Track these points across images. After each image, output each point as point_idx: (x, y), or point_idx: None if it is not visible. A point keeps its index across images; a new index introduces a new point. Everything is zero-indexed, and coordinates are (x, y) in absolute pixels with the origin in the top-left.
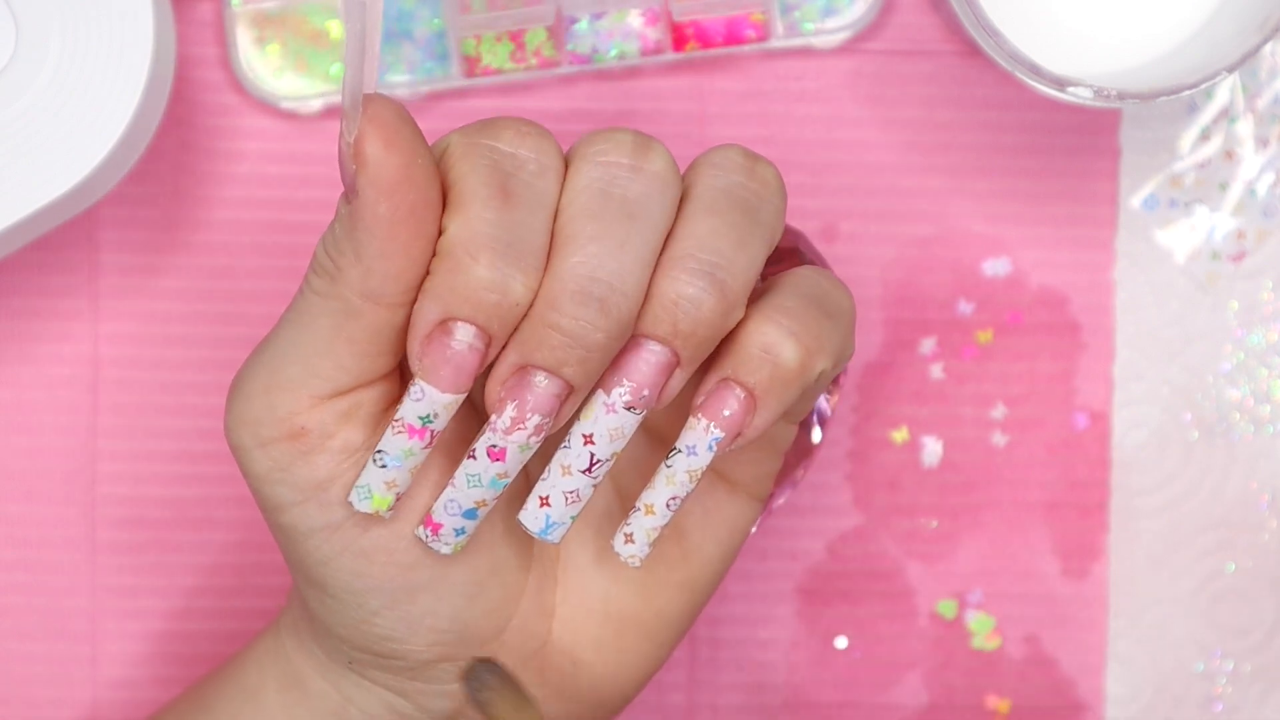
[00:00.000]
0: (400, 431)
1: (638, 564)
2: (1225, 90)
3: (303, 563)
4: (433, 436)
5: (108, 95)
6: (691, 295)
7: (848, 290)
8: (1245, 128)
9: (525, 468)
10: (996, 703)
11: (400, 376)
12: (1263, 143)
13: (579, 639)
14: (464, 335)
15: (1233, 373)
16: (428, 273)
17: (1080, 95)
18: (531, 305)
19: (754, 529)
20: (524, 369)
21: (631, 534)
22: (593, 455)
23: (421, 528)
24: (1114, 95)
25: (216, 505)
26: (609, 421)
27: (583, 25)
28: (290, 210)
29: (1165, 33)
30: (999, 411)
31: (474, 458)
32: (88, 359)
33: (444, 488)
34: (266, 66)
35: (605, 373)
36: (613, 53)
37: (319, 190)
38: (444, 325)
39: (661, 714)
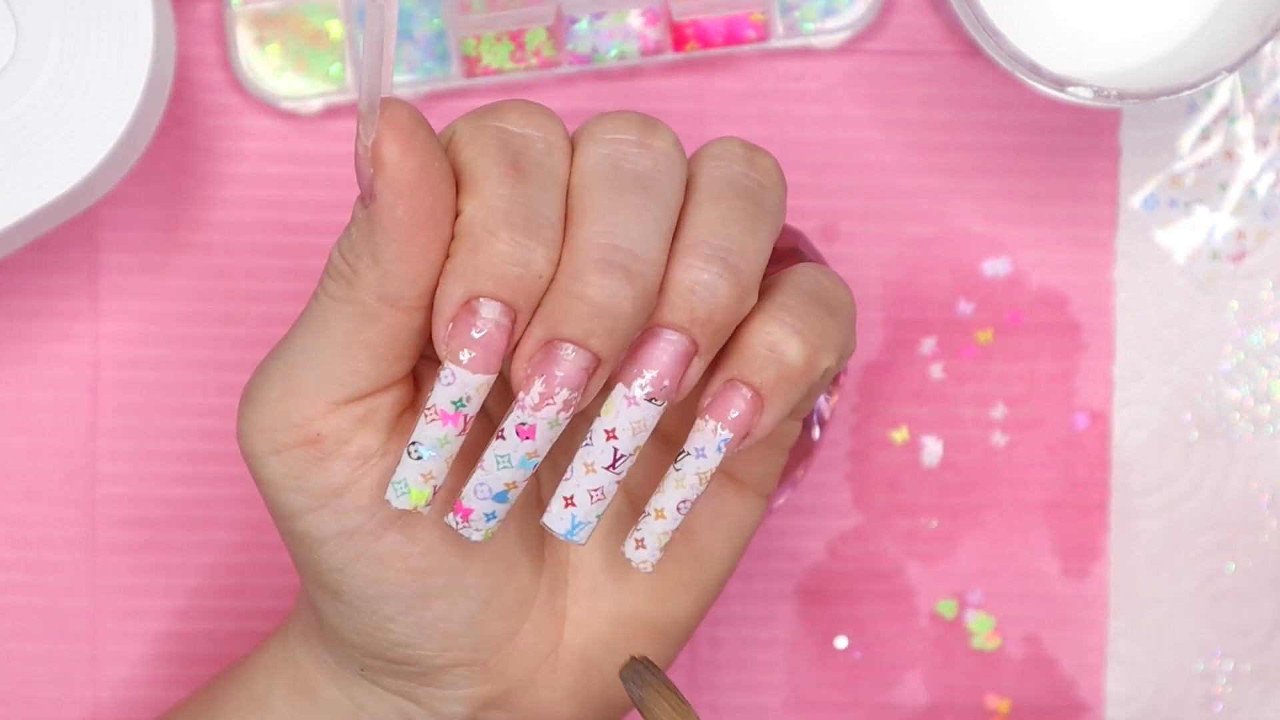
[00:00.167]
0: (434, 419)
1: (649, 569)
2: (1225, 90)
3: (316, 569)
4: (466, 422)
5: (108, 95)
6: (707, 281)
7: (847, 287)
8: (1245, 128)
9: (535, 475)
10: (996, 703)
11: (415, 381)
12: (1263, 143)
13: (591, 641)
14: (490, 312)
15: (1233, 373)
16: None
17: (1080, 95)
18: (554, 279)
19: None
20: (550, 343)
21: (643, 539)
22: (616, 450)
23: (452, 515)
24: (1114, 95)
25: (217, 505)
26: (631, 414)
27: (583, 25)
28: (290, 210)
29: (1165, 33)
30: (999, 411)
31: (503, 437)
32: (88, 359)
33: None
34: (266, 66)
35: (624, 365)
36: (613, 53)
37: (319, 190)
38: (469, 305)
39: None
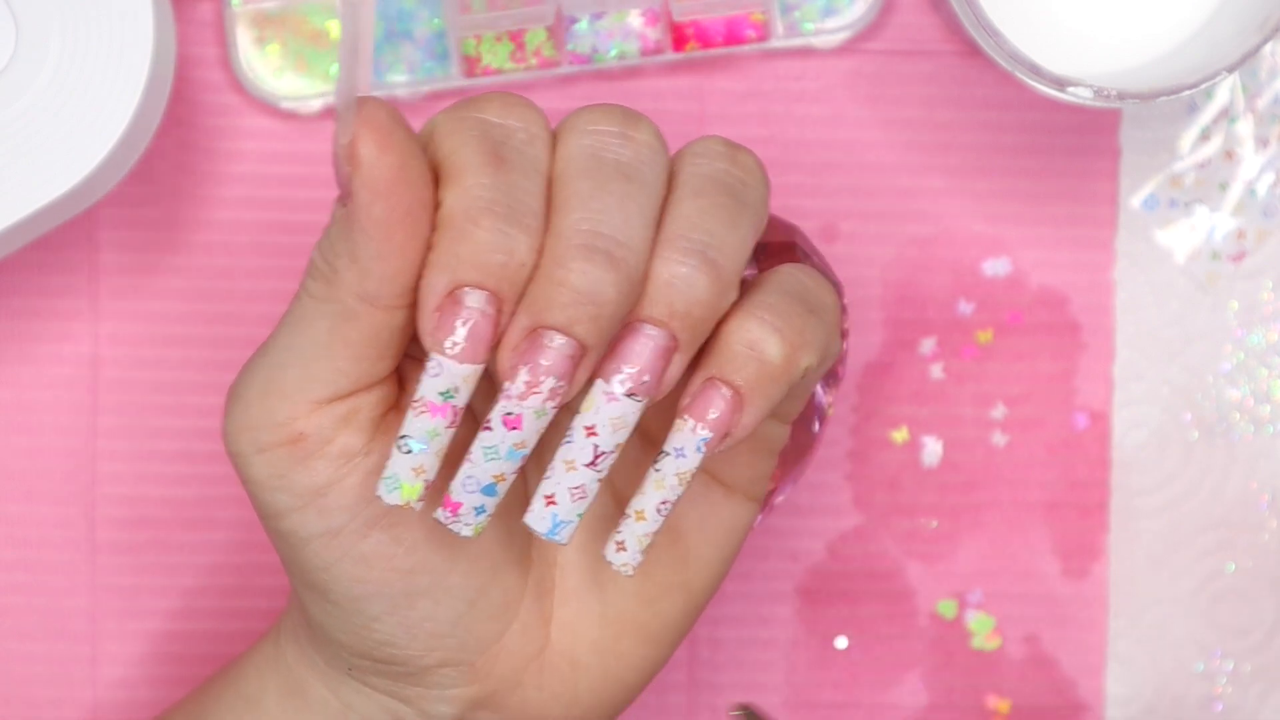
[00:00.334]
0: (422, 412)
1: (630, 572)
2: (1225, 90)
3: (302, 569)
4: (455, 414)
5: (108, 95)
6: (685, 275)
7: (830, 286)
8: (1245, 128)
9: (523, 473)
10: (996, 703)
11: (398, 380)
12: (1263, 143)
13: (578, 643)
14: (474, 301)
15: (1233, 373)
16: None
17: (1080, 95)
18: (537, 267)
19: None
20: (535, 331)
21: (623, 541)
22: (596, 447)
23: (441, 510)
24: (1114, 95)
25: (216, 505)
26: (611, 411)
27: (583, 25)
28: (290, 210)
29: (1165, 33)
30: (999, 411)
31: (490, 429)
32: (88, 359)
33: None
34: (266, 66)
35: (604, 360)
36: (613, 53)
37: (319, 190)
38: (453, 294)
39: (661, 714)
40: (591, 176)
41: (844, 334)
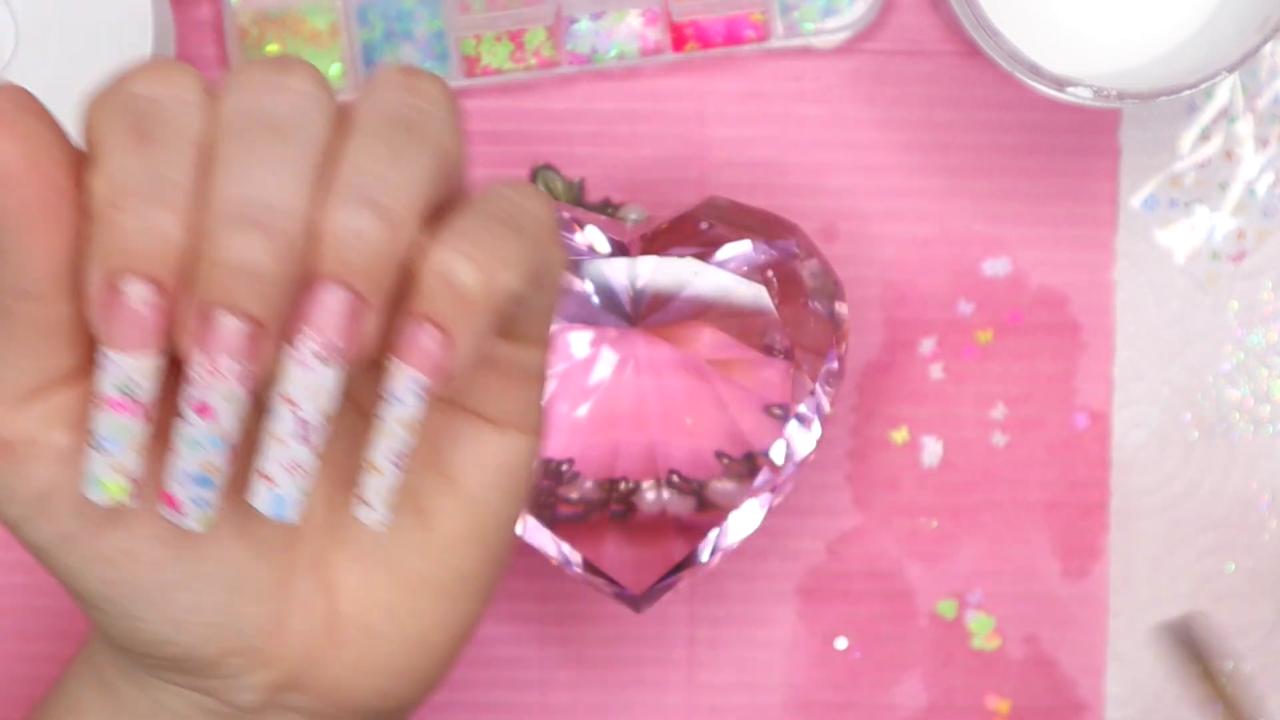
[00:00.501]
0: (100, 407)
1: (382, 528)
2: (1225, 90)
3: (58, 577)
4: (143, 408)
5: None
6: (352, 225)
7: (544, 199)
8: (1245, 128)
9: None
10: (996, 703)
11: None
12: (1263, 143)
13: (370, 609)
14: (133, 290)
15: (1233, 373)
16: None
17: (1080, 95)
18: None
19: (534, 466)
20: (204, 313)
21: (365, 497)
22: (299, 418)
23: (162, 506)
24: (1114, 95)
25: None
26: (305, 379)
27: (582, 25)
28: None
29: (1165, 33)
30: (999, 411)
31: (185, 419)
32: None
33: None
34: None
35: (290, 325)
36: (612, 53)
37: None
38: (111, 285)
39: (661, 714)
40: (239, 138)
41: (844, 334)
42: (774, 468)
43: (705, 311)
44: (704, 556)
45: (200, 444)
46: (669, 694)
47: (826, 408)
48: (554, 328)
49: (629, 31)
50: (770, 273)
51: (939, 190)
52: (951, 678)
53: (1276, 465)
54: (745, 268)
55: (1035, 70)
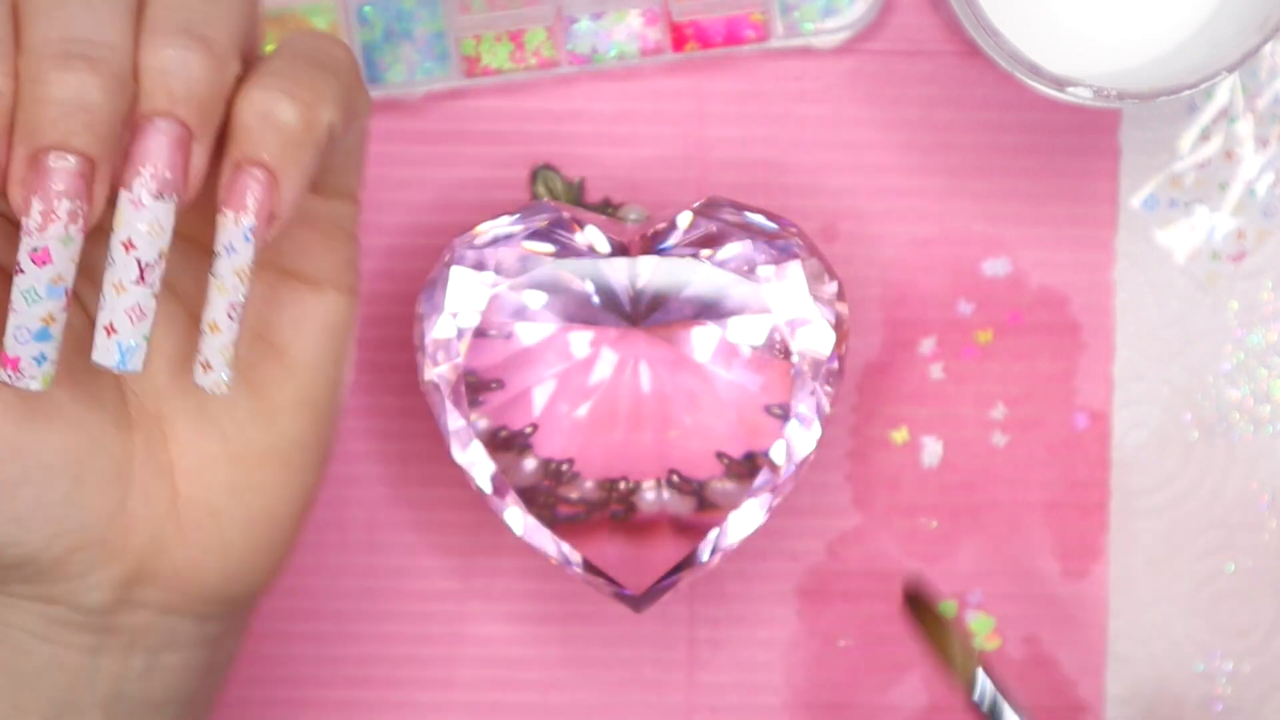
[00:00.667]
0: None
1: (224, 390)
2: (1225, 90)
3: None
4: None
5: None
6: (176, 57)
7: (342, 44)
8: (1245, 128)
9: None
10: None
11: None
12: (1263, 143)
13: (209, 487)
14: None
15: (1233, 373)
16: None
17: (1080, 95)
18: (18, 92)
19: (354, 328)
20: (35, 156)
21: (206, 360)
22: (139, 261)
23: (2, 369)
24: (1114, 95)
25: None
26: (141, 218)
27: (582, 25)
28: None
29: (1165, 33)
30: (999, 411)
31: (22, 270)
32: None
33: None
34: None
35: (122, 169)
36: (612, 53)
37: None
38: None
39: (661, 714)
40: None
41: (844, 334)
42: (774, 468)
43: (705, 311)
44: (704, 556)
45: (38, 295)
46: (669, 694)
47: (826, 408)
48: (554, 328)
49: (629, 31)
50: (770, 272)
51: (939, 190)
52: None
53: (1276, 465)
54: (745, 268)
55: (1035, 70)
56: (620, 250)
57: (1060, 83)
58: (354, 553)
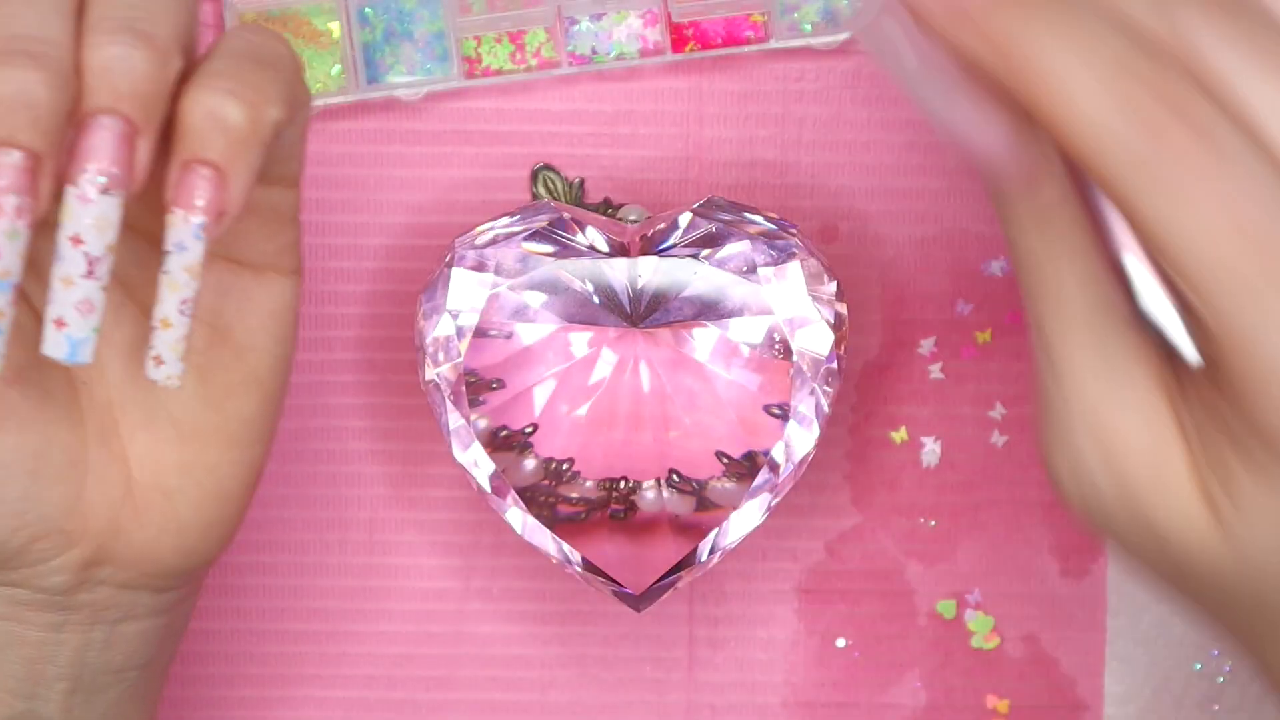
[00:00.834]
0: None
1: (177, 383)
2: None
3: None
4: None
5: None
6: (119, 54)
7: (283, 39)
8: None
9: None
10: (996, 702)
11: None
12: None
13: (162, 470)
14: None
15: None
16: None
17: None
18: None
19: (299, 306)
20: None
21: (159, 355)
22: (87, 255)
23: None
24: None
25: None
26: (88, 213)
27: (583, 25)
28: None
29: None
30: (998, 411)
31: None
32: None
33: None
34: None
35: (68, 165)
36: (612, 53)
37: (318, 190)
38: None
39: (661, 714)
40: None
41: (843, 334)
42: (774, 468)
43: (705, 311)
44: (704, 556)
45: None
46: (669, 694)
47: (826, 407)
48: (554, 328)
49: (629, 32)
50: (770, 272)
51: (939, 190)
52: (951, 677)
53: None
54: (745, 268)
55: None
56: (620, 250)
57: None
58: (354, 553)
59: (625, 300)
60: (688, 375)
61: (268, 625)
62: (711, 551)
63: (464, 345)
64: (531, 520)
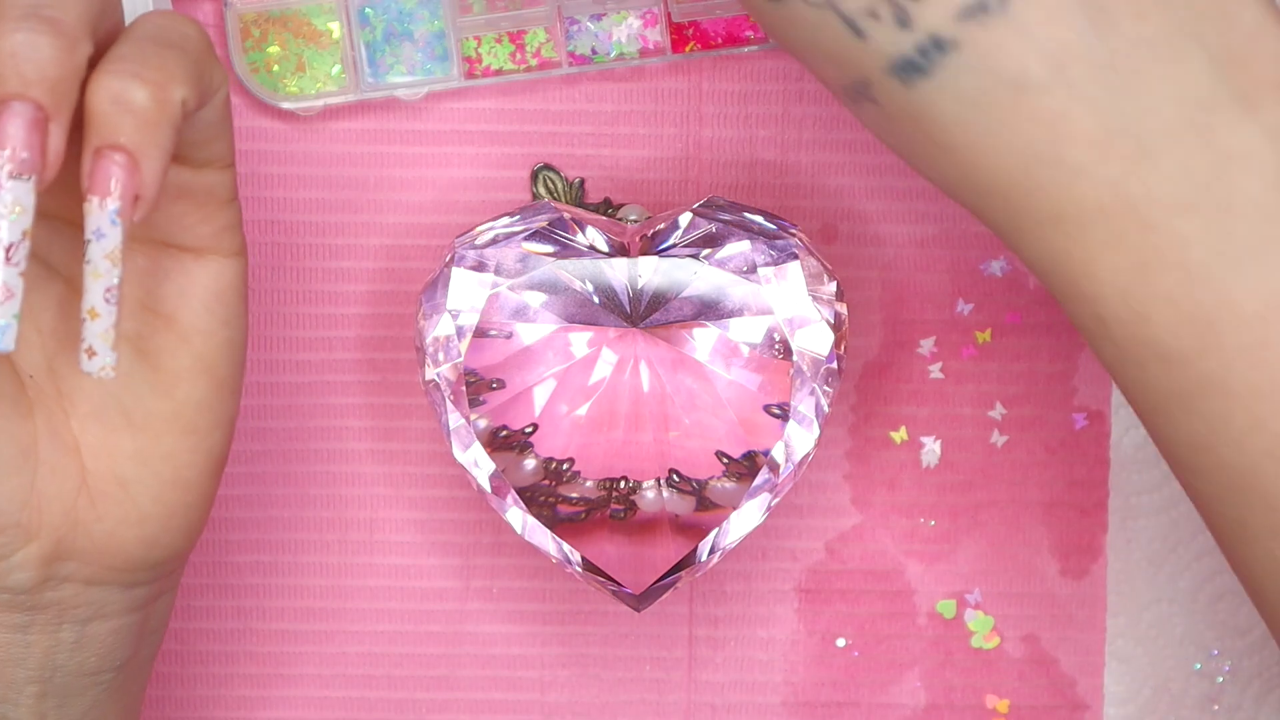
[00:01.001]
0: None
1: (111, 374)
2: None
3: None
4: None
5: None
6: (25, 40)
7: (193, 21)
8: None
9: None
10: (996, 702)
11: None
12: None
13: (116, 460)
14: None
15: None
16: None
17: None
18: None
19: (243, 288)
20: None
21: (90, 346)
22: (2, 241)
23: None
24: None
25: (216, 505)
26: (1, 199)
27: (583, 26)
28: (290, 210)
29: None
30: (998, 411)
31: None
32: None
33: None
34: (266, 66)
35: None
36: (613, 53)
37: (319, 190)
38: None
39: (661, 713)
40: None
41: (843, 334)
42: (774, 468)
43: (705, 311)
44: (704, 556)
45: None
46: (669, 694)
47: (826, 407)
48: (554, 328)
49: (629, 32)
50: (770, 272)
51: (939, 190)
52: (950, 677)
53: None
54: (745, 268)
55: None
56: (620, 250)
57: None
58: (354, 553)
59: (625, 300)
60: (688, 375)
61: (268, 625)
62: (711, 551)
63: (464, 345)
64: (531, 520)
